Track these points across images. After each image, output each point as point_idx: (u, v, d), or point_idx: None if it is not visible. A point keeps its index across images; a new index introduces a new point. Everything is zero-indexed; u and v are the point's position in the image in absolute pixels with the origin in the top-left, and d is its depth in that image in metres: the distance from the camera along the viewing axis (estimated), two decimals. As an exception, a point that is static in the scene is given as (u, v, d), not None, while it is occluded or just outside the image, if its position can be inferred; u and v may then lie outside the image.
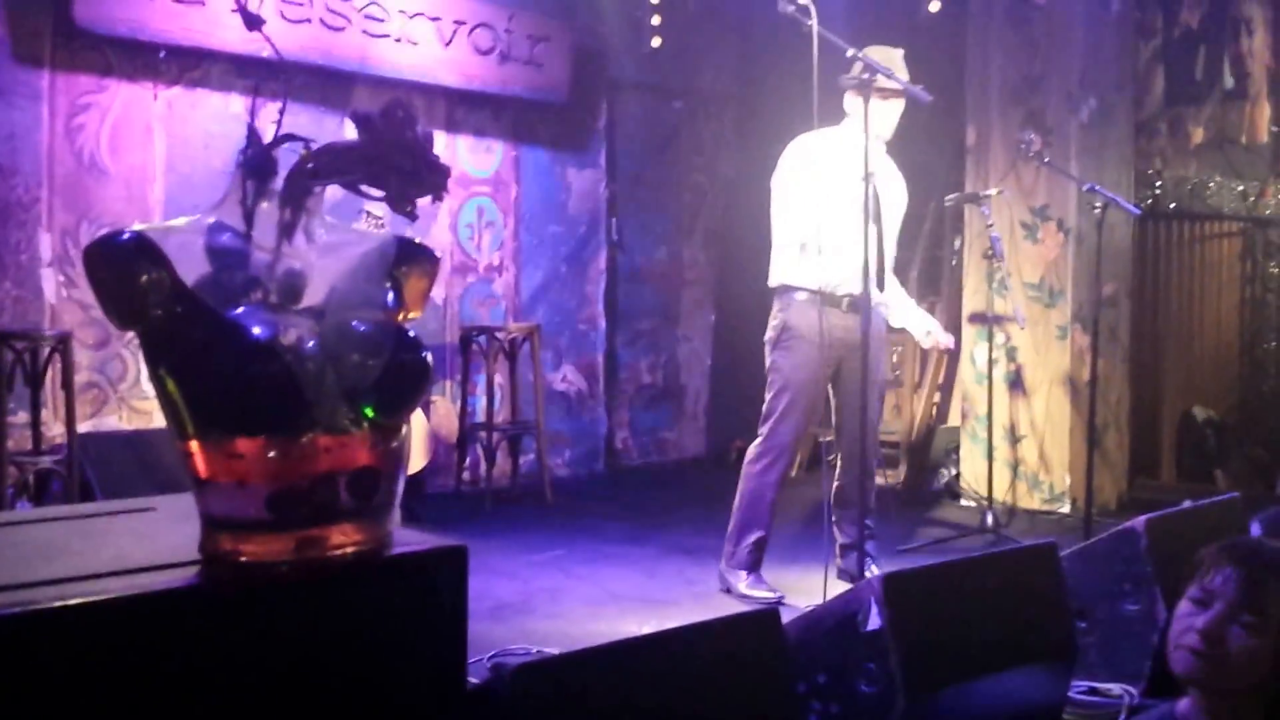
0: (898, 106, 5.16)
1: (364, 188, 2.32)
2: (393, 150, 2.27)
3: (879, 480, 7.79)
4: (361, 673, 2.26)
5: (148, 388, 6.39)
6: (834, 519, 5.32)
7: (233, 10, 6.24)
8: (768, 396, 5.22)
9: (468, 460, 7.60)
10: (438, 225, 7.67)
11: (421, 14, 7.32)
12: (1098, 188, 6.19)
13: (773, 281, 5.24)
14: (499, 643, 4.23)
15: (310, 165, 2.30)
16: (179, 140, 6.61)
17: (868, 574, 5.00)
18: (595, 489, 8.06)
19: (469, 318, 7.83)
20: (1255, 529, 4.38)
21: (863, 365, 4.69)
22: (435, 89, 7.57)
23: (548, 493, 7.44)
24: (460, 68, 7.55)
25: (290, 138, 2.33)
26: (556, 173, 8.35)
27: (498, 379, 7.62)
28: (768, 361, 5.24)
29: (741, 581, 5.16)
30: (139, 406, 6.45)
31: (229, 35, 6.37)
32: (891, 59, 5.09)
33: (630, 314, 8.82)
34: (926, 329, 5.40)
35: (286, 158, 2.38)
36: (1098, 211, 6.13)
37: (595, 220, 8.57)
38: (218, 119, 6.70)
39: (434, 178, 2.31)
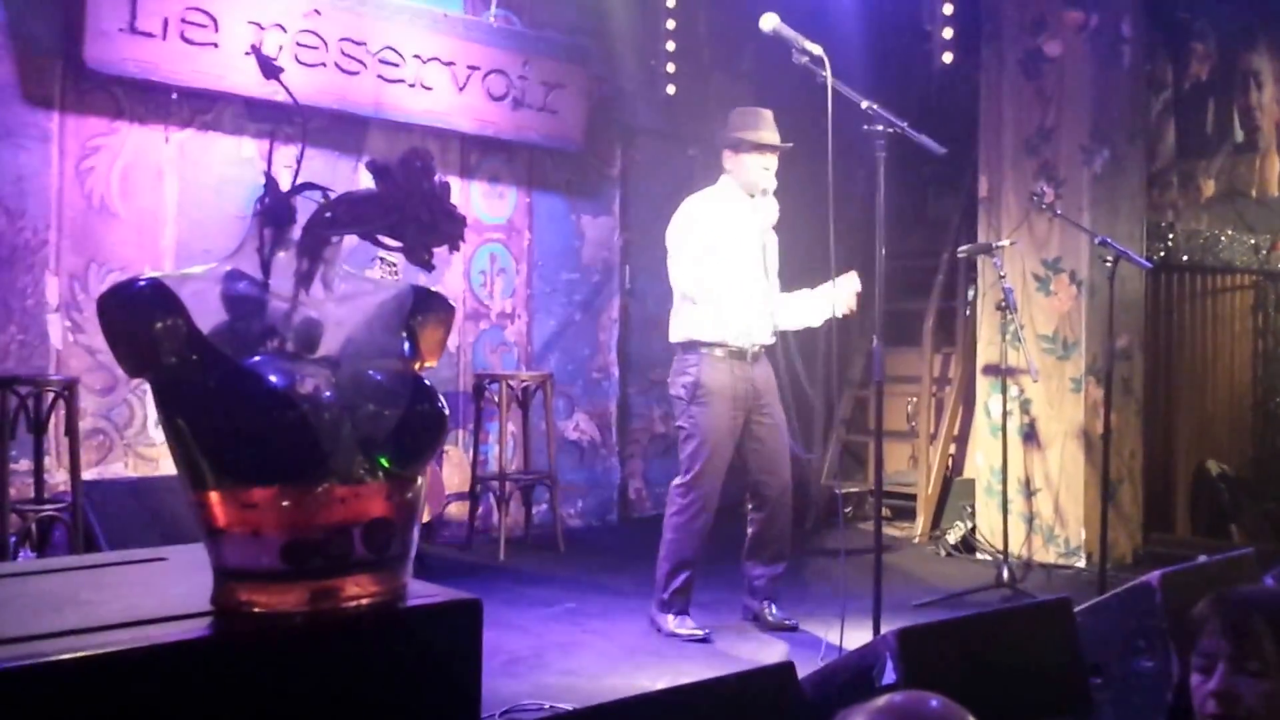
0: (773, 160, 5.49)
1: (381, 237, 2.33)
2: (411, 200, 2.28)
3: (894, 531, 7.78)
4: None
5: (155, 434, 6.36)
6: (747, 560, 5.62)
7: (246, 54, 6.24)
8: (685, 450, 5.47)
9: (480, 510, 7.55)
10: (451, 271, 7.65)
11: (436, 59, 7.33)
12: (1110, 241, 6.16)
13: (677, 337, 5.50)
14: (511, 698, 4.18)
15: (328, 214, 2.32)
16: (191, 184, 6.60)
17: (768, 616, 5.50)
18: (608, 540, 7.98)
19: (481, 365, 7.80)
20: (1269, 585, 4.33)
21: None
22: (450, 134, 7.58)
23: (560, 543, 7.38)
24: (474, 113, 7.56)
25: (308, 186, 2.34)
26: (570, 219, 8.34)
27: (510, 428, 7.56)
28: (681, 416, 5.49)
29: (669, 621, 5.37)
30: (145, 454, 6.41)
31: (241, 78, 6.37)
32: (762, 119, 5.51)
33: (643, 363, 8.76)
34: (831, 301, 5.40)
35: (304, 206, 2.37)
36: (1110, 264, 6.10)
37: (609, 268, 8.55)
38: (230, 162, 6.70)
39: (451, 228, 2.33)
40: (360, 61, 6.99)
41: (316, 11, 6.79)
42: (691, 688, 2.49)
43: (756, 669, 2.67)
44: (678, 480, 5.48)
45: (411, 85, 7.22)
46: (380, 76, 7.09)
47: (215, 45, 6.42)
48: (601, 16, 8.21)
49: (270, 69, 2.46)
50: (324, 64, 6.82)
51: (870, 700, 1.55)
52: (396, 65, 7.15)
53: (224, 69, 6.43)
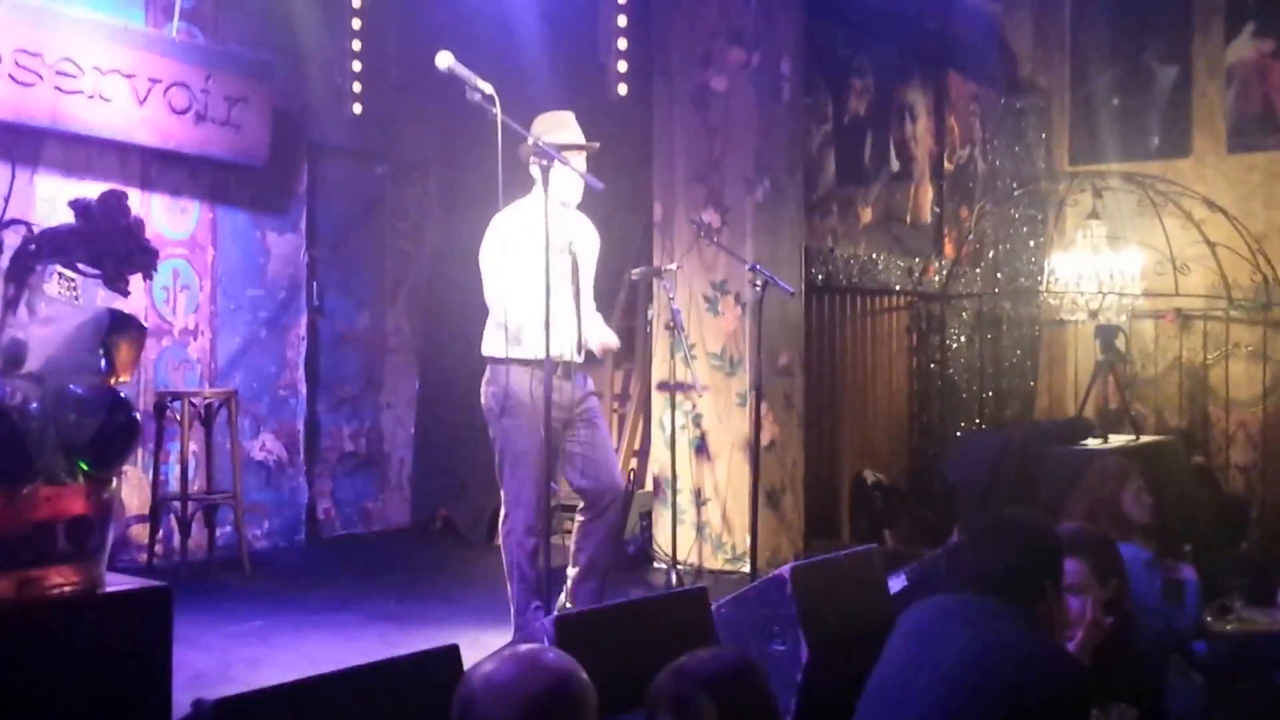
0: (580, 163, 5.49)
1: (82, 267, 2.69)
2: (109, 235, 2.65)
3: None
4: (78, 703, 2.53)
5: None
6: (575, 552, 5.66)
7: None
8: (506, 467, 5.46)
9: (160, 533, 7.36)
10: (132, 287, 7.49)
11: (116, 71, 7.18)
12: (759, 267, 6.57)
13: (489, 351, 5.52)
14: (196, 710, 4.21)
15: (33, 247, 2.63)
16: None
17: None
18: (296, 560, 7.91)
19: (163, 383, 7.66)
20: (899, 582, 4.79)
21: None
22: (129, 147, 7.44)
23: (245, 565, 7.27)
24: (155, 127, 7.43)
25: (15, 221, 2.67)
26: (255, 236, 8.28)
27: (192, 447, 7.41)
28: (495, 430, 5.49)
29: None
30: None
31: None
32: (564, 120, 5.52)
33: (332, 380, 8.78)
34: (601, 340, 5.70)
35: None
36: (758, 288, 6.51)
37: (296, 284, 8.51)
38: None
39: (145, 259, 2.79)
40: (36, 73, 6.82)
41: (-9, 23, 6.62)
42: (363, 669, 2.67)
43: (424, 651, 2.87)
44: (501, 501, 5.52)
45: (90, 97, 7.08)
46: (58, 88, 6.92)
47: None
48: (287, 32, 8.22)
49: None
50: (-4, 75, 6.65)
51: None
52: (75, 77, 6.99)
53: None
